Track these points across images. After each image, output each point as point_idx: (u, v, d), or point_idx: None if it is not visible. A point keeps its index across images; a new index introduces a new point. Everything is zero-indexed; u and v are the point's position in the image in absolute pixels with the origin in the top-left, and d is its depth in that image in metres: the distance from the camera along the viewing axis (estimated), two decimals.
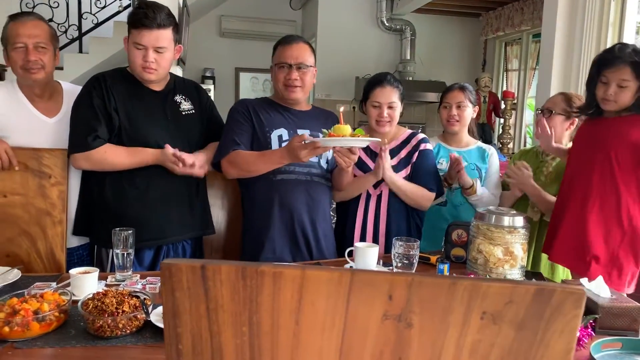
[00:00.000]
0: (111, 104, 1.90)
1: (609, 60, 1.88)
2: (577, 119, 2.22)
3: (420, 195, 2.21)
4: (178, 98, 2.05)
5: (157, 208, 1.97)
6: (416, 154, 2.24)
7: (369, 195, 2.23)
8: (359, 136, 1.85)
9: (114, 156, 1.89)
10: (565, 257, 2.04)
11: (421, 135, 2.31)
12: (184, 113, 2.03)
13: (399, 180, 2.17)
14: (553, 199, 2.16)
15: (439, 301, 0.51)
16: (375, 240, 2.21)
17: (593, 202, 1.92)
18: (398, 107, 2.24)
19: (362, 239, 2.22)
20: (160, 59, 1.92)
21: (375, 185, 2.21)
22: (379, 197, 2.22)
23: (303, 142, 1.80)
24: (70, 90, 2.08)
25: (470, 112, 2.45)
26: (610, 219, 1.90)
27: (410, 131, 2.34)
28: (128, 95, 1.95)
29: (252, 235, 2.10)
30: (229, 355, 0.55)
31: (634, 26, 2.88)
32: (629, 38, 2.85)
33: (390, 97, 2.21)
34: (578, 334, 1.34)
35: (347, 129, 1.82)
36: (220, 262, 0.52)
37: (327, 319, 0.53)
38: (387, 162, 2.10)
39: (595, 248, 1.92)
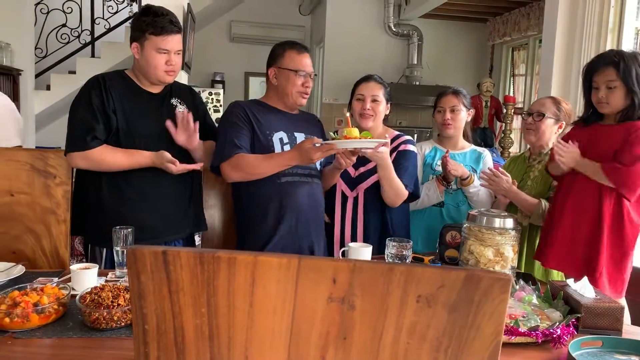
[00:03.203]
0: (110, 105, 1.96)
1: (594, 65, 1.94)
2: (564, 123, 2.26)
3: (402, 191, 2.20)
4: (174, 101, 2.11)
5: (153, 207, 2.02)
6: (395, 153, 2.27)
7: (345, 198, 2.29)
8: (367, 138, 1.97)
9: (110, 157, 1.95)
10: (560, 264, 2.07)
11: (406, 137, 2.34)
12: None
13: (391, 166, 2.16)
14: (534, 200, 2.19)
15: (378, 285, 0.56)
16: (354, 240, 2.26)
17: (587, 208, 1.96)
18: (382, 103, 2.30)
19: (342, 238, 2.28)
20: (178, 61, 2.05)
21: (352, 188, 2.27)
22: (355, 199, 2.28)
23: (314, 145, 1.89)
24: None
25: (464, 115, 2.49)
26: (601, 226, 1.94)
27: (396, 132, 2.37)
28: (126, 97, 2.01)
29: (254, 238, 2.11)
30: (190, 334, 0.60)
31: (632, 32, 2.90)
32: (628, 44, 2.87)
33: (374, 91, 2.29)
34: (559, 332, 1.39)
35: (356, 131, 1.94)
36: (180, 249, 0.58)
37: (278, 301, 0.58)
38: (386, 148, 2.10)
39: (587, 255, 1.96)
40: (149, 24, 1.97)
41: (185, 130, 1.99)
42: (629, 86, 1.85)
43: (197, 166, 2.03)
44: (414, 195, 2.30)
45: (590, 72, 1.96)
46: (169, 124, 1.97)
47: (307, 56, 2.17)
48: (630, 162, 1.83)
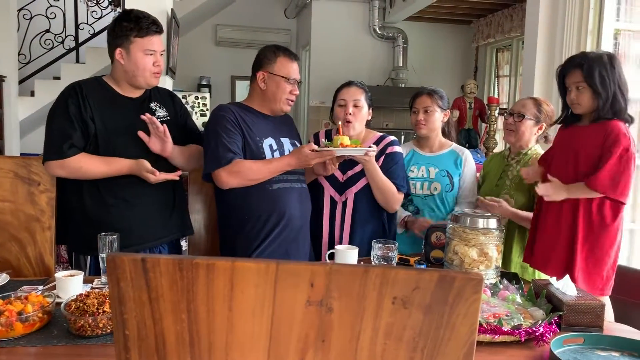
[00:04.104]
0: (87, 112, 1.94)
1: (565, 68, 2.01)
2: (544, 125, 2.30)
3: (392, 192, 2.25)
4: (153, 105, 2.10)
5: (135, 214, 2.01)
6: (382, 157, 2.30)
7: (334, 203, 2.31)
8: (356, 146, 2.08)
9: (89, 165, 1.92)
10: (543, 265, 2.10)
11: (390, 138, 2.37)
12: (159, 120, 2.06)
13: (378, 168, 2.22)
14: (530, 214, 2.24)
15: (355, 287, 0.57)
16: (341, 242, 2.29)
17: (565, 211, 2.00)
18: (364, 108, 2.32)
19: (330, 243, 2.30)
20: (162, 62, 2.05)
21: (341, 192, 2.29)
22: (344, 203, 2.29)
23: (311, 150, 1.98)
24: None
25: (439, 116, 2.47)
26: (576, 227, 1.98)
27: (379, 134, 2.40)
28: (104, 103, 2.00)
29: (243, 243, 2.11)
30: (171, 340, 0.61)
31: (611, 33, 2.95)
32: (607, 44, 2.92)
33: (356, 95, 2.31)
34: (541, 330, 1.41)
35: (347, 139, 2.06)
36: (159, 256, 0.58)
37: (257, 306, 0.59)
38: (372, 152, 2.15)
39: (567, 254, 2.00)
40: (133, 27, 1.96)
41: (158, 138, 1.98)
42: (592, 87, 1.91)
43: (174, 176, 2.02)
44: (407, 194, 2.35)
45: (562, 74, 2.02)
46: (141, 134, 1.97)
47: (297, 63, 2.19)
48: (602, 167, 1.88)
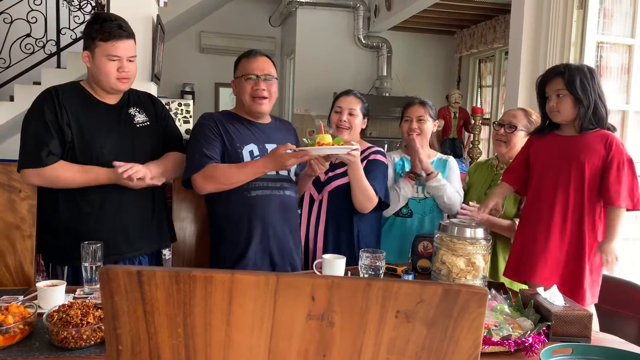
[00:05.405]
0: (64, 119, 1.89)
1: (545, 77, 2.02)
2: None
3: (371, 194, 2.24)
4: (132, 111, 2.05)
5: (113, 224, 1.95)
6: (365, 161, 2.32)
7: (312, 200, 2.36)
8: (339, 144, 2.00)
9: (66, 174, 1.87)
10: (545, 276, 2.07)
11: (376, 148, 2.41)
12: (138, 125, 2.02)
13: (362, 170, 2.21)
14: (507, 222, 2.24)
15: (357, 301, 0.56)
16: (315, 243, 2.32)
17: (571, 220, 1.97)
18: (359, 117, 2.40)
19: (306, 242, 2.33)
20: (132, 68, 1.98)
21: (319, 190, 2.34)
22: (321, 202, 2.34)
23: (287, 151, 1.91)
24: None
25: (430, 125, 2.54)
26: (582, 240, 1.97)
27: (368, 145, 2.44)
28: (81, 109, 1.94)
29: (227, 250, 2.10)
30: (166, 355, 0.58)
31: (594, 45, 3.00)
32: (590, 56, 2.97)
33: (352, 104, 2.39)
34: (530, 340, 1.41)
35: (329, 137, 1.99)
36: (154, 268, 0.56)
37: (256, 320, 0.57)
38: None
39: (577, 266, 1.99)
40: (97, 30, 1.90)
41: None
42: (574, 94, 1.92)
43: (156, 181, 1.97)
44: (384, 204, 2.34)
45: (543, 84, 2.03)
46: (116, 164, 1.89)
47: (259, 59, 2.11)
48: (619, 183, 1.89)
